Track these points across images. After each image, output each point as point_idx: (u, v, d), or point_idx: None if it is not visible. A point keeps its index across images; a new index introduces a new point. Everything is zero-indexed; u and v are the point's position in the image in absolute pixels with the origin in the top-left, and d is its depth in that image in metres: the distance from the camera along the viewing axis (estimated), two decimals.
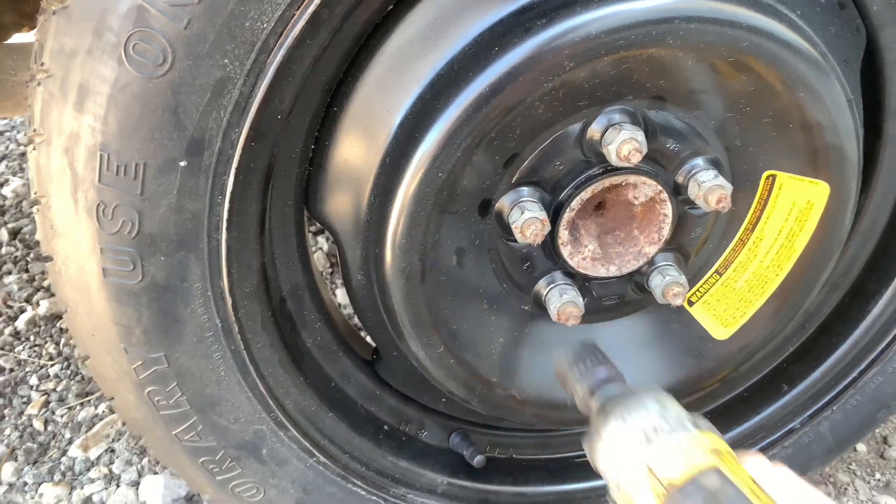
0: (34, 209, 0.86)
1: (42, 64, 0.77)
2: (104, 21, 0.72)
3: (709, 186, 0.94)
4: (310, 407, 1.07)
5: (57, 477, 1.66)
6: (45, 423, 1.78)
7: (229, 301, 0.90)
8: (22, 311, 2.09)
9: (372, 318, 1.04)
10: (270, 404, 1.00)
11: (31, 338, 2.01)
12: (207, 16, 0.72)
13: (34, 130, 0.81)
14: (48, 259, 0.89)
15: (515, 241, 0.95)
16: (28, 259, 2.28)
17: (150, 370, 0.92)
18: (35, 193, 0.85)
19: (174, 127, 0.76)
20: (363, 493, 1.13)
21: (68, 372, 1.92)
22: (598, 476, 1.25)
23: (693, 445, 0.71)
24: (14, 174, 2.60)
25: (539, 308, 1.05)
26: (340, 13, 0.81)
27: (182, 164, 0.79)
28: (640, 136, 0.89)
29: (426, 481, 1.18)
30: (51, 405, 1.82)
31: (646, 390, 0.78)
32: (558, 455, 1.29)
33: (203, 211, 0.82)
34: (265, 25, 0.74)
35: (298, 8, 0.74)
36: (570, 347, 0.89)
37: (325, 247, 2.12)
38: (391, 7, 0.87)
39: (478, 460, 1.19)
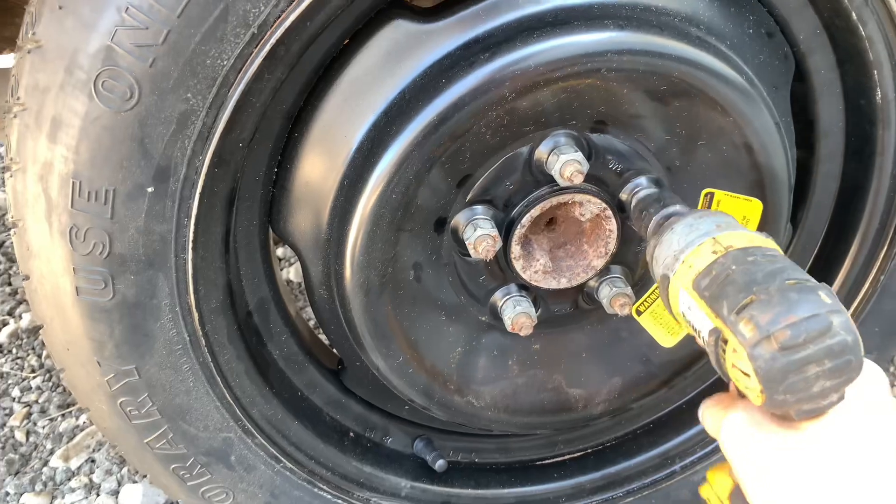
0: (11, 231, 0.92)
1: (18, 98, 0.82)
2: (75, 60, 0.78)
3: None
4: (276, 415, 1.11)
5: (38, 487, 1.69)
6: (27, 434, 1.81)
7: (196, 316, 0.95)
8: (5, 323, 2.12)
9: (335, 330, 1.10)
10: (238, 413, 1.05)
11: (14, 350, 2.04)
12: (171, 55, 0.78)
13: (11, 159, 0.86)
14: (26, 278, 0.94)
15: (470, 256, 1.01)
16: (11, 273, 2.29)
17: (122, 382, 0.97)
18: (12, 217, 0.90)
19: (141, 156, 0.82)
20: (329, 496, 1.17)
21: (50, 384, 1.95)
22: (555, 479, 1.33)
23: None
24: None
25: (495, 318, 1.10)
26: (297, 50, 0.87)
27: (149, 189, 0.84)
28: (581, 158, 0.96)
29: (390, 485, 1.23)
30: (32, 416, 1.85)
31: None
32: (518, 458, 1.34)
33: (170, 232, 0.88)
34: (225, 62, 0.80)
35: (256, 46, 0.80)
36: None
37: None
38: (347, 42, 0.93)
39: (439, 464, 1.24)
